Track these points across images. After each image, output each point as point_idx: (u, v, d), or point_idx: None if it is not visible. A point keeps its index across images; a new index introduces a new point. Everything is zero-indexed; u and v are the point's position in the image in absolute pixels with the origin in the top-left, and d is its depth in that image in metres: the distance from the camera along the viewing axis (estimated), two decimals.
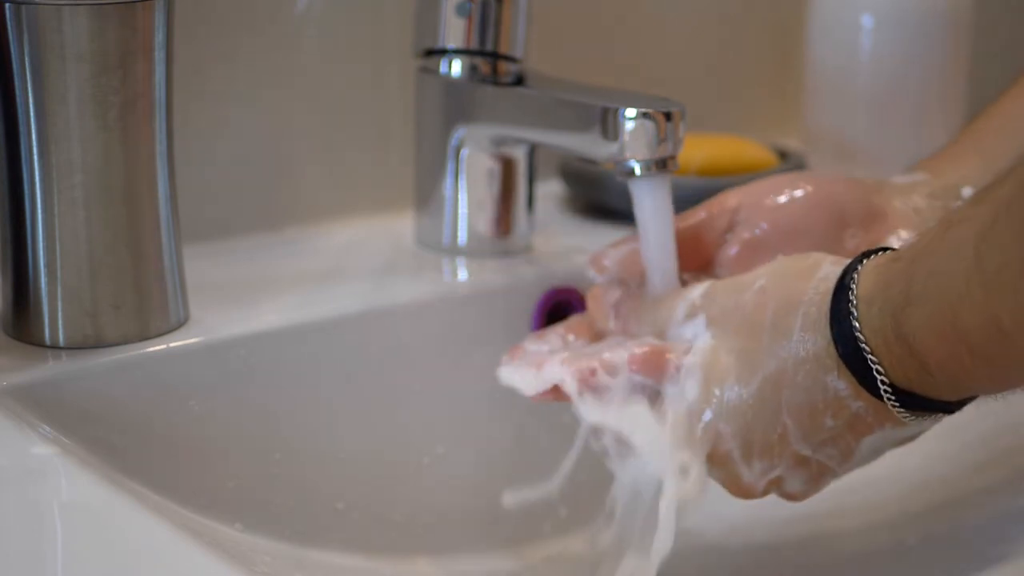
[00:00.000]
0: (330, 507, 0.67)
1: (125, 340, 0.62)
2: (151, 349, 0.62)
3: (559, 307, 0.74)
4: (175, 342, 0.63)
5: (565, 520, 0.71)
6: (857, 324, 0.53)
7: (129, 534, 0.50)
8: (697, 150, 0.82)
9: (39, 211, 0.60)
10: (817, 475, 0.57)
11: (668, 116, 0.63)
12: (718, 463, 0.57)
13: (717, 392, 0.56)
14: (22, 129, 0.59)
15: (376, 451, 0.68)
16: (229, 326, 0.65)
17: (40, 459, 0.55)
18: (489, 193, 0.73)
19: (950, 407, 0.54)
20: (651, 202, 0.63)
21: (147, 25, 0.59)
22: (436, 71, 0.72)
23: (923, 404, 0.54)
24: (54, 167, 0.59)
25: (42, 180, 0.59)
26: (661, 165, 0.63)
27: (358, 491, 0.68)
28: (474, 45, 0.71)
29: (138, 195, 0.61)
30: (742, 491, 0.58)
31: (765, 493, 0.58)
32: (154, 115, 0.61)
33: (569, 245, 0.77)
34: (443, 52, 0.72)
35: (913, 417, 0.54)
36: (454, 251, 0.74)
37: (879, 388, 0.53)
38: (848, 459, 0.57)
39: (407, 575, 0.68)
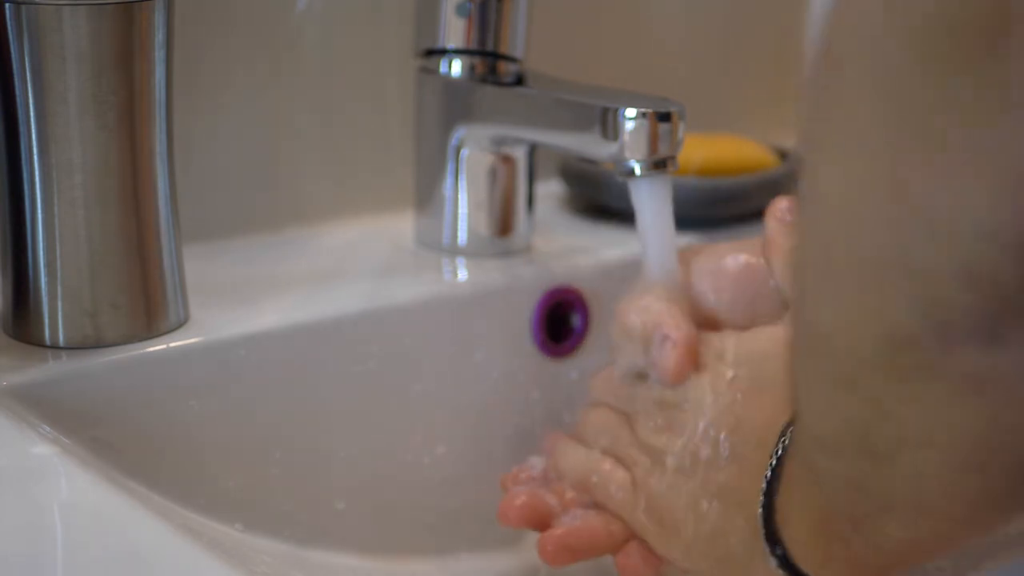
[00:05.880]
0: (330, 507, 0.67)
1: (125, 340, 0.62)
2: (151, 349, 0.62)
3: (559, 307, 0.74)
4: (175, 342, 0.63)
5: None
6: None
7: (129, 534, 0.50)
8: (697, 150, 0.82)
9: (39, 211, 0.60)
10: None
11: (668, 116, 0.63)
12: None
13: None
14: (22, 129, 0.59)
15: (376, 451, 0.68)
16: (229, 326, 0.65)
17: (40, 459, 0.54)
18: (489, 193, 0.73)
19: None
20: (651, 202, 0.63)
21: (147, 25, 0.59)
22: (436, 71, 0.72)
23: None
24: (54, 167, 0.59)
25: (42, 180, 0.59)
26: (661, 165, 0.63)
27: (358, 491, 0.68)
28: (474, 45, 0.71)
29: (138, 195, 0.61)
30: None
31: None
32: (154, 115, 0.61)
33: (569, 245, 0.77)
34: (443, 52, 0.72)
35: None
36: (454, 251, 0.74)
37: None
38: None
39: (407, 575, 0.68)
